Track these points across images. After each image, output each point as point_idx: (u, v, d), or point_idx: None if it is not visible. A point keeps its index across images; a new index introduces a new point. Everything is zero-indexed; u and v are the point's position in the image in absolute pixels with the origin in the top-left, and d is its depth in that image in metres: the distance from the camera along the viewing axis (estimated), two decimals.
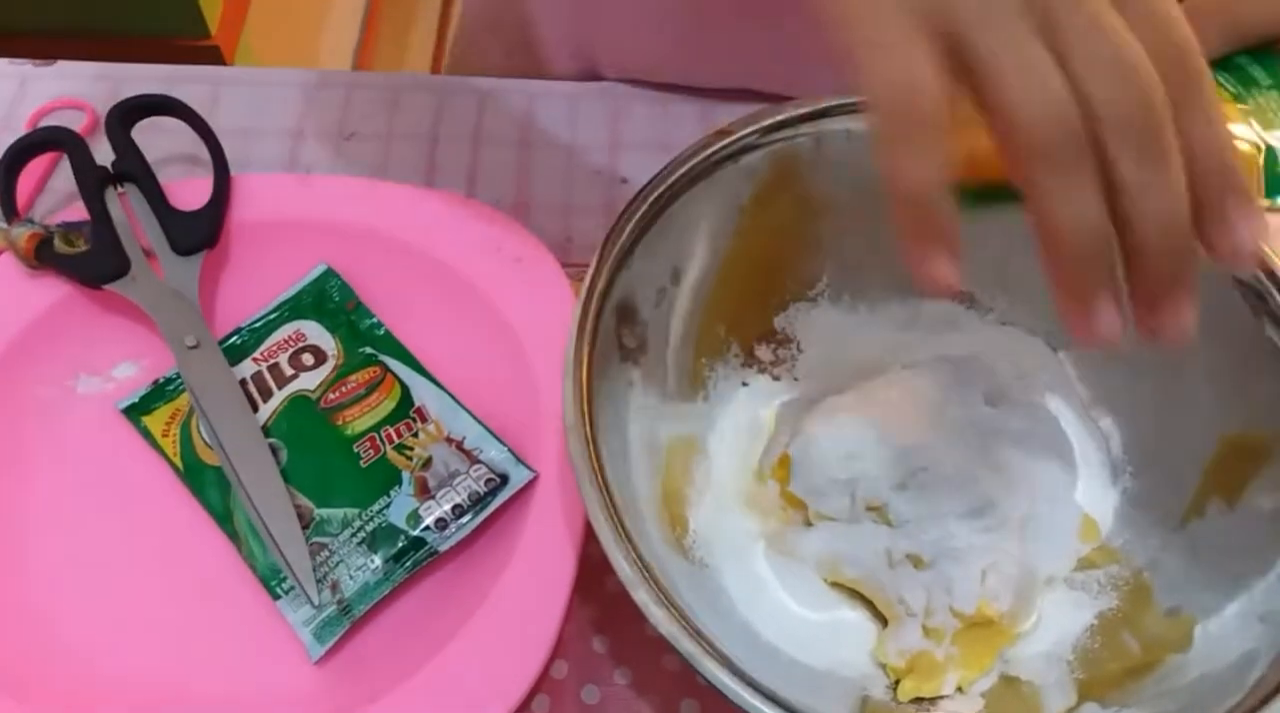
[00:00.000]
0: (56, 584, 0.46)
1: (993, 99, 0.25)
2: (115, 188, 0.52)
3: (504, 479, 0.45)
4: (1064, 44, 0.25)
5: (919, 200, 0.27)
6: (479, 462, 0.46)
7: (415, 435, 0.47)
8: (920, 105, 0.26)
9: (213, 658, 0.44)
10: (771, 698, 0.35)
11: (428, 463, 0.46)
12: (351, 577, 0.44)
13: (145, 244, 0.51)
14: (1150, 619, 0.43)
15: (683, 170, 0.45)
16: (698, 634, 0.36)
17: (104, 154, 0.53)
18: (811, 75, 0.48)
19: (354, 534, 0.45)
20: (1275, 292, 0.42)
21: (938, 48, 0.26)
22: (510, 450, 0.46)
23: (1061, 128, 0.25)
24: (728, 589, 0.44)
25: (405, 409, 0.48)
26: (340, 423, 0.48)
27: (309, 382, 0.49)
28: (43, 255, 0.50)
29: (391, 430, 0.47)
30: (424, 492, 0.45)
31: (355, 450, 0.47)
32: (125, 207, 0.52)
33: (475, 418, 0.47)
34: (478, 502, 0.45)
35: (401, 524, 0.45)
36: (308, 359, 0.50)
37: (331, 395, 0.48)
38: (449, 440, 0.47)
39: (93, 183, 0.52)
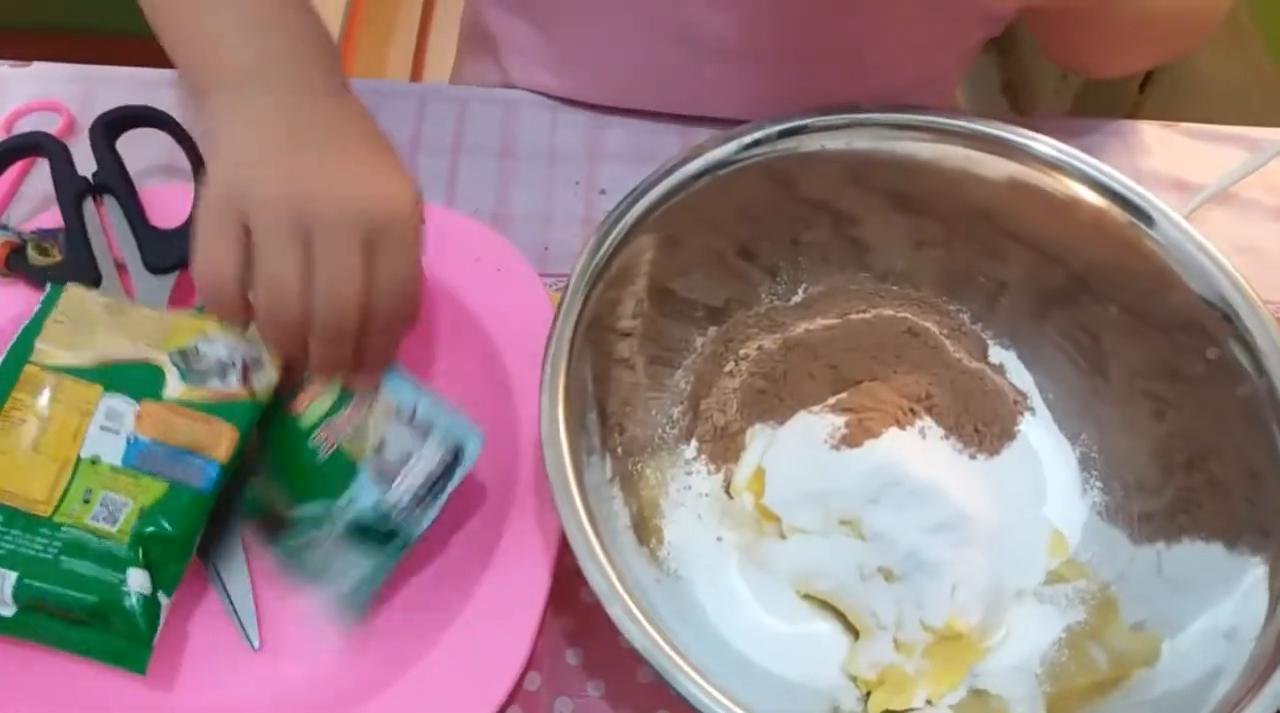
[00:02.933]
0: None
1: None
2: (93, 199, 0.52)
3: (458, 454, 0.45)
4: (314, 265, 0.39)
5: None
6: (429, 437, 0.45)
7: (365, 419, 0.46)
8: (222, 296, 0.40)
9: (174, 669, 0.44)
10: (743, 710, 0.35)
11: (381, 447, 0.46)
12: (346, 573, 0.44)
13: (119, 257, 0.51)
14: (1117, 633, 0.43)
15: (662, 185, 0.45)
16: (671, 648, 0.36)
17: (82, 157, 0.52)
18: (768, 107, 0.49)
19: (329, 532, 0.44)
20: (1241, 313, 0.43)
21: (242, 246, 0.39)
22: (461, 414, 0.45)
23: (281, 319, 0.39)
24: (701, 601, 0.44)
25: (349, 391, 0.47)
26: (295, 414, 0.47)
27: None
28: (13, 264, 0.49)
29: (342, 418, 0.46)
30: (383, 479, 0.45)
31: (312, 445, 0.46)
32: (102, 218, 0.52)
33: (413, 381, 0.46)
34: (435, 484, 0.44)
35: (369, 521, 0.44)
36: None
37: (281, 391, 0.48)
38: (399, 414, 0.46)
39: (72, 193, 0.51)
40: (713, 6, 0.54)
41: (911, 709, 0.42)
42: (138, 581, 0.42)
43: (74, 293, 0.47)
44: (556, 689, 0.44)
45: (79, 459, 0.44)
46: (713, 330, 0.51)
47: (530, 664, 0.43)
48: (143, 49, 0.53)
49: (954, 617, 0.42)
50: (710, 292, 0.50)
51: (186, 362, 0.45)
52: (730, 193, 0.47)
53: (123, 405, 0.44)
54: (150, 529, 0.43)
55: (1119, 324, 0.47)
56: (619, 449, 0.46)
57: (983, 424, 0.48)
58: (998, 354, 0.51)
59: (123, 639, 0.42)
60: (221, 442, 0.44)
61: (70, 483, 0.43)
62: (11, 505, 0.43)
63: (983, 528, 0.44)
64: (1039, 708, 0.42)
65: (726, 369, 0.50)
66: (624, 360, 0.46)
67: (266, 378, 0.45)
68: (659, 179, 0.45)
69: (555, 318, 0.42)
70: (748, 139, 0.46)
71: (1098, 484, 0.48)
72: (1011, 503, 0.46)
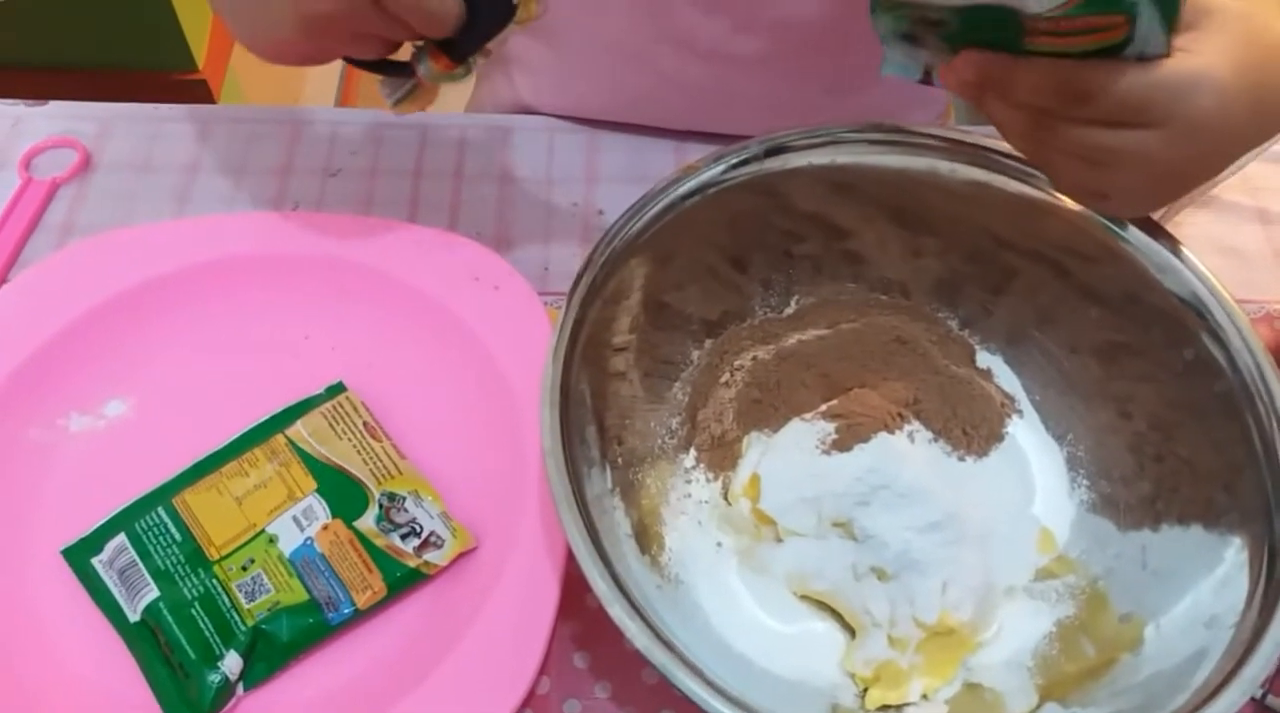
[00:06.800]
0: (60, 622, 0.46)
1: None
2: None
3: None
4: None
5: None
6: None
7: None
8: None
9: None
10: (744, 708, 0.37)
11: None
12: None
13: None
14: (1106, 625, 0.45)
15: (656, 204, 0.47)
16: (671, 647, 0.37)
17: (98, 192, 0.54)
18: (766, 118, 0.51)
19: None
20: (1214, 308, 0.44)
21: None
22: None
23: None
24: (702, 605, 0.46)
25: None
26: None
27: None
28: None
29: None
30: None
31: None
32: None
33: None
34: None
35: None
36: None
37: None
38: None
39: None
40: (709, 13, 0.57)
41: (907, 704, 0.43)
42: (231, 664, 0.44)
43: (349, 399, 0.51)
44: (565, 692, 0.45)
45: (262, 531, 0.47)
46: (708, 343, 0.52)
47: (541, 669, 0.45)
48: (156, 84, 0.55)
49: (946, 613, 0.44)
50: (705, 305, 0.52)
51: (389, 506, 0.47)
52: (722, 209, 0.49)
53: (319, 510, 0.47)
54: (270, 628, 0.44)
55: (1101, 325, 0.49)
56: (619, 460, 0.47)
57: (970, 427, 0.49)
58: (985, 359, 0.52)
59: (183, 700, 0.43)
60: (368, 592, 0.46)
61: (244, 545, 0.46)
62: (194, 535, 0.46)
63: (972, 527, 0.45)
64: (1032, 699, 0.43)
65: (722, 380, 0.51)
66: (621, 374, 0.48)
67: (439, 558, 0.47)
68: (653, 198, 0.47)
69: (553, 336, 0.43)
70: (735, 159, 0.48)
71: (1085, 482, 0.49)
72: (1000, 503, 0.47)
